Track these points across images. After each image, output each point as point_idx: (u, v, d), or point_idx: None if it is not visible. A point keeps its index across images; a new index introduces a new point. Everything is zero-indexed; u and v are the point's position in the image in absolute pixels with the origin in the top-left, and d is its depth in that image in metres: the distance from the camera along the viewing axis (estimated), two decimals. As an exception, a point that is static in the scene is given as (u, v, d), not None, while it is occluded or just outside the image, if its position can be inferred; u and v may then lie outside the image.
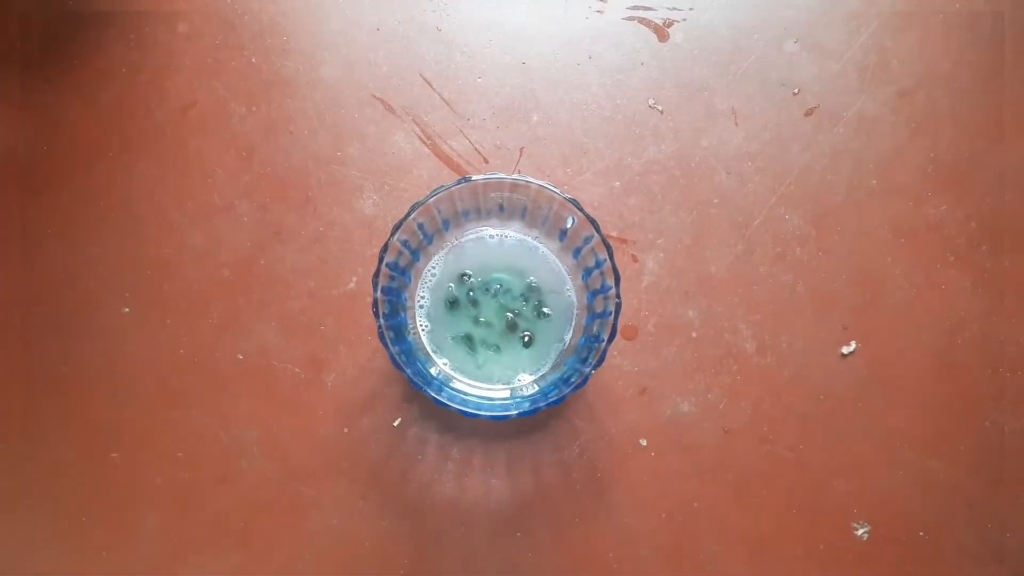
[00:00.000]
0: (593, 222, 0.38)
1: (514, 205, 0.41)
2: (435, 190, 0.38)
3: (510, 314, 0.42)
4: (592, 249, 0.39)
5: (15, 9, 0.50)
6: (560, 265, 0.43)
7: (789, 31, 0.49)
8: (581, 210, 0.38)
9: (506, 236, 0.43)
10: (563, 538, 0.44)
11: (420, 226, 0.39)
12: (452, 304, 0.42)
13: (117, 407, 0.46)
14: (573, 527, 0.45)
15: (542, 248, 0.43)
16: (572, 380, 0.37)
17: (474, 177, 0.38)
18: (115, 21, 0.50)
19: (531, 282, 0.42)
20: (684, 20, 0.49)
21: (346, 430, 0.45)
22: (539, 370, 0.42)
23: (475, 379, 0.42)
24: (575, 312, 0.43)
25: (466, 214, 0.41)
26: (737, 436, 0.45)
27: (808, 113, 0.48)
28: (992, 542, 0.45)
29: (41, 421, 0.46)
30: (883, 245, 0.47)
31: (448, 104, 0.49)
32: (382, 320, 0.37)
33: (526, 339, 0.42)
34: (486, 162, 0.48)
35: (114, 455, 0.46)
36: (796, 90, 0.48)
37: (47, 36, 0.50)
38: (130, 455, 0.46)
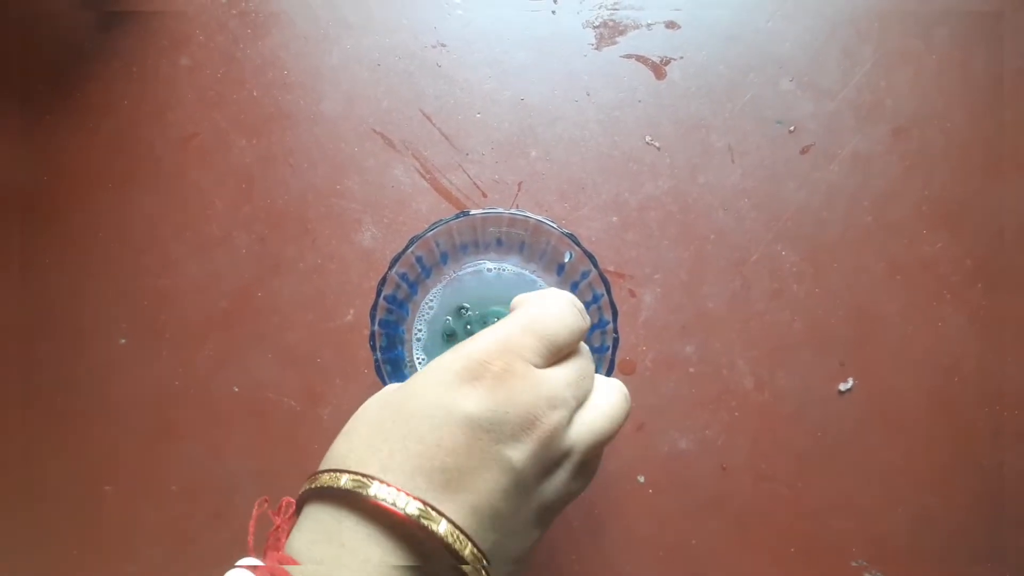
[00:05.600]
0: (591, 257, 0.38)
1: (512, 239, 0.41)
2: (434, 224, 0.38)
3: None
4: (590, 284, 0.39)
5: (17, 42, 0.50)
6: (558, 299, 0.43)
7: (784, 70, 0.49)
8: (579, 245, 0.38)
9: (504, 270, 0.43)
10: (559, 576, 0.44)
11: (418, 259, 0.39)
12: (449, 337, 0.42)
13: (111, 439, 0.46)
14: (570, 565, 0.44)
15: (540, 282, 0.43)
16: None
17: (473, 211, 0.38)
18: (118, 54, 0.50)
19: (529, 316, 0.42)
20: (681, 58, 0.50)
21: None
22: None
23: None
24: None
25: (464, 247, 0.42)
26: (735, 473, 0.45)
27: (804, 151, 0.48)
28: (992, 582, 0.44)
29: (34, 452, 0.46)
30: (879, 282, 0.47)
31: (447, 139, 0.49)
32: (379, 353, 0.37)
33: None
34: (484, 196, 0.48)
35: (107, 488, 0.45)
36: (792, 128, 0.49)
37: (49, 68, 0.50)
38: (123, 488, 0.45)
